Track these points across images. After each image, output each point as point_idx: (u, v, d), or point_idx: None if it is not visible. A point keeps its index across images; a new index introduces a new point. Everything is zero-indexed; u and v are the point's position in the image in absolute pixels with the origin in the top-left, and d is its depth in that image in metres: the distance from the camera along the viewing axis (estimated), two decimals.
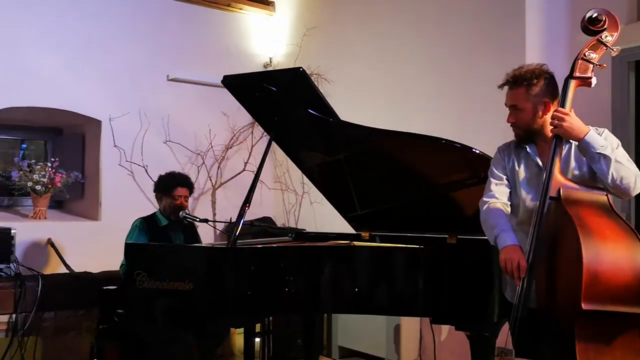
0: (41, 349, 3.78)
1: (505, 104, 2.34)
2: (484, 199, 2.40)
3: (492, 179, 2.43)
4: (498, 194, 2.38)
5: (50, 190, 4.51)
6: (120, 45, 4.72)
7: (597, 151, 2.10)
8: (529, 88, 2.26)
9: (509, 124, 2.35)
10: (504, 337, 2.77)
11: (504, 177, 2.40)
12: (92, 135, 4.80)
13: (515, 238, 2.23)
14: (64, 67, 4.47)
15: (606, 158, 2.10)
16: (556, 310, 2.02)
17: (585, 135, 2.12)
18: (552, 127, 2.17)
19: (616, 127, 3.48)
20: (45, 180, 4.46)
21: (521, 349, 2.14)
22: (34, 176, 4.43)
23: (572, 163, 2.26)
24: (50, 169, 4.51)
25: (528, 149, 2.34)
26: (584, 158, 2.22)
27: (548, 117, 2.25)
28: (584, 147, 2.13)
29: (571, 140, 2.21)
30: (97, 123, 4.68)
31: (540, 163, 2.31)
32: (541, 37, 3.77)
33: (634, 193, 2.15)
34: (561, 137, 2.16)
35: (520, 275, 2.11)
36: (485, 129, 3.66)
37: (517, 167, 2.38)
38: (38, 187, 4.45)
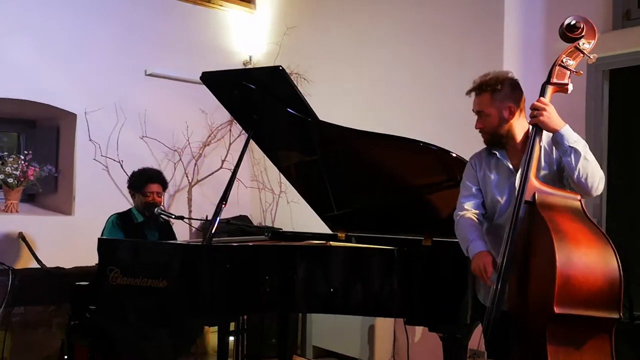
0: (10, 345, 3.71)
1: (473, 110, 2.39)
2: (456, 212, 2.48)
3: (463, 192, 2.50)
4: (468, 206, 2.45)
5: (22, 183, 4.45)
6: (97, 38, 4.65)
7: (570, 144, 2.15)
8: (493, 94, 2.32)
9: (477, 130, 2.40)
10: (476, 339, 2.80)
11: (474, 187, 2.47)
12: (67, 129, 4.73)
13: (484, 245, 2.29)
14: (39, 58, 4.40)
15: (577, 152, 2.14)
16: (528, 313, 2.04)
17: (561, 128, 2.16)
18: (530, 117, 2.21)
19: (589, 134, 3.55)
20: (17, 173, 4.39)
21: (494, 351, 2.17)
22: (6, 169, 4.37)
23: (542, 163, 2.30)
24: (23, 162, 4.44)
25: (498, 155, 2.40)
26: (554, 157, 2.29)
27: (515, 122, 2.33)
28: (558, 140, 2.17)
29: (543, 142, 2.26)
30: (72, 116, 4.61)
31: (511, 167, 2.37)
32: (519, 44, 3.85)
33: (594, 193, 2.21)
34: (540, 128, 2.19)
35: (487, 276, 2.18)
36: (463, 132, 3.68)
37: (489, 174, 2.43)
38: (10, 180, 4.38)
